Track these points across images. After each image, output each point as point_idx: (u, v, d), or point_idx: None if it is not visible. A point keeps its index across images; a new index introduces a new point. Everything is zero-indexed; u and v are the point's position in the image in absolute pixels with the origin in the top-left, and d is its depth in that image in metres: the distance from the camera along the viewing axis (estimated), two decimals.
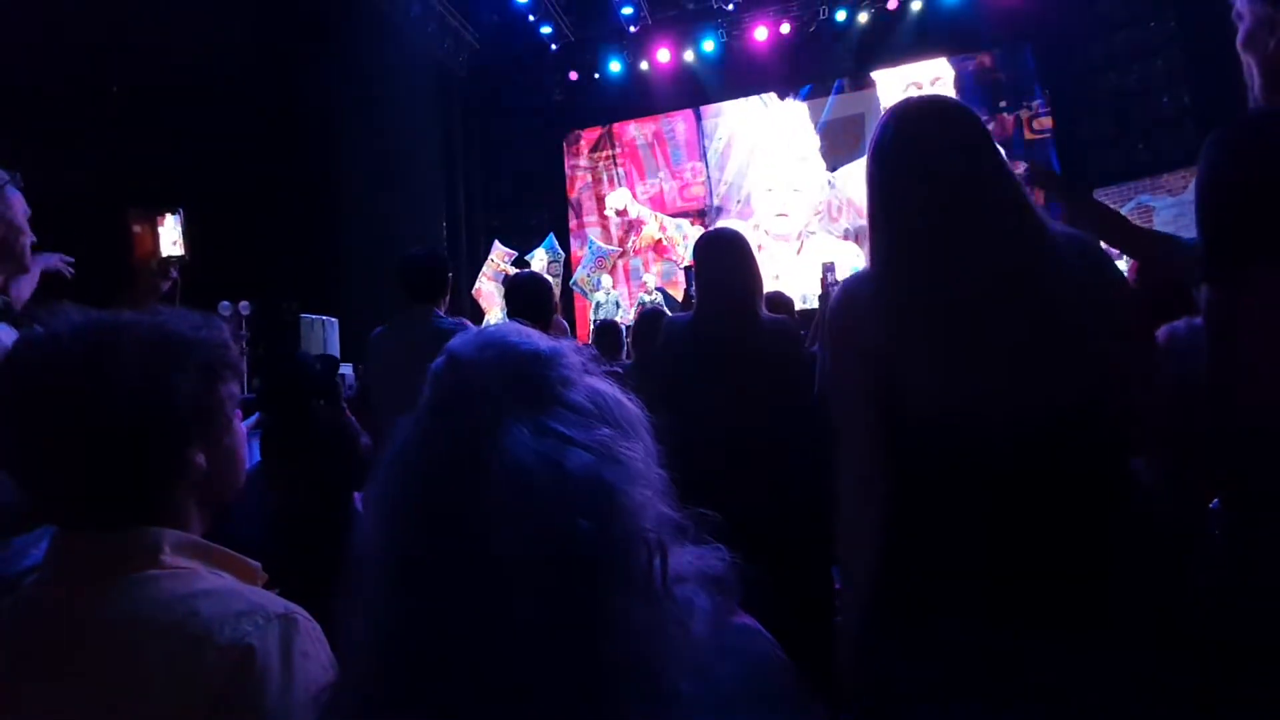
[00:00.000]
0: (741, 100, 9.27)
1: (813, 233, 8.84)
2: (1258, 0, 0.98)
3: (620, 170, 9.83)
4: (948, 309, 0.94)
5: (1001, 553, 0.90)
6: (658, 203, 9.66)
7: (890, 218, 1.03)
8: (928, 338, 0.95)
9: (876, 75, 8.64)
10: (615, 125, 9.84)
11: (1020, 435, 0.90)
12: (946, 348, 0.94)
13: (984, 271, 0.94)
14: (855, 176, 8.55)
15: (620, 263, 9.63)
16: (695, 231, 8.78)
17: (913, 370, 0.95)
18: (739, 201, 9.30)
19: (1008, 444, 0.90)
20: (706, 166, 9.47)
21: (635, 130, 9.77)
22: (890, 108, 1.07)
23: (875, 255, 1.05)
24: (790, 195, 8.99)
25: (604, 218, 9.85)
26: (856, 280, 1.09)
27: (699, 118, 9.50)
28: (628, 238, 9.70)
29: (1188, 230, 0.99)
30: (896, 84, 8.49)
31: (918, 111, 1.04)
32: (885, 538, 0.99)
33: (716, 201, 9.41)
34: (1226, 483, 0.95)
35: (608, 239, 9.72)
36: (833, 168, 8.85)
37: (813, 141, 9.01)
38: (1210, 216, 0.92)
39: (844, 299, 1.06)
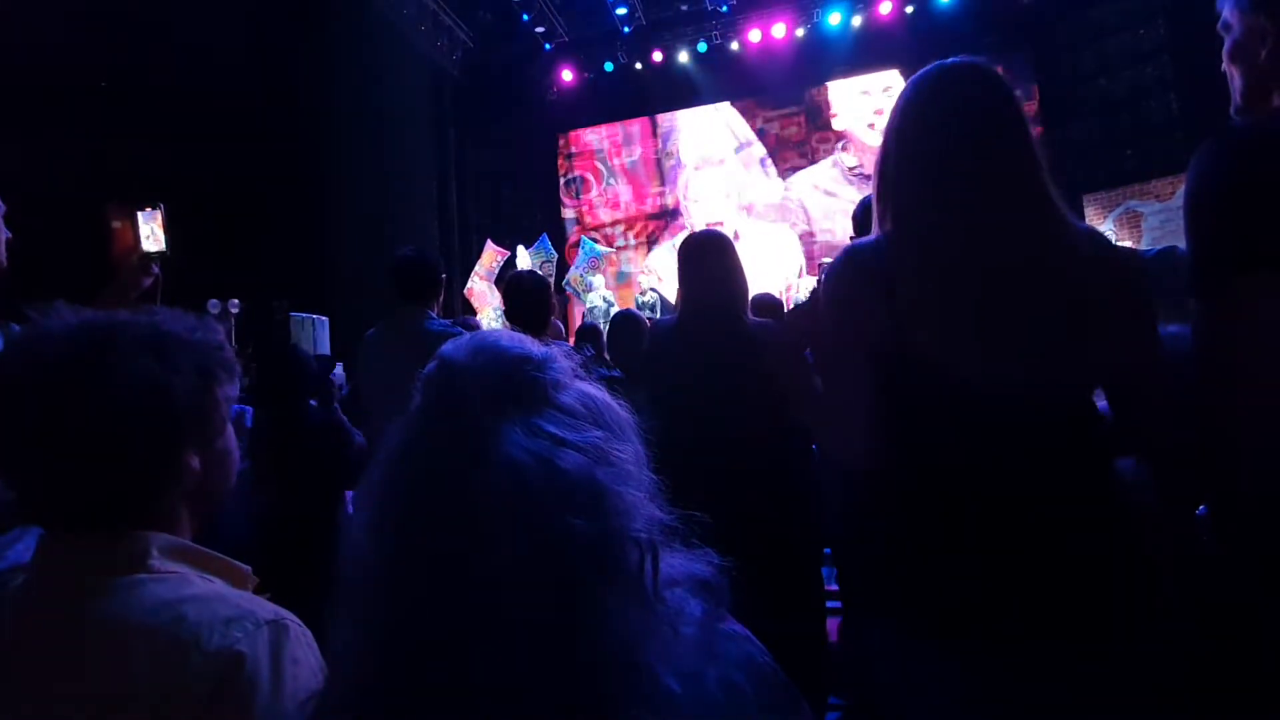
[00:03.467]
0: (693, 109, 9.38)
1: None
2: (1248, 11, 0.98)
3: (579, 176, 9.94)
4: (961, 285, 0.93)
5: (997, 548, 0.90)
6: (614, 209, 9.79)
7: (910, 185, 1.00)
8: (939, 313, 0.94)
9: (871, 77, 8.70)
10: (572, 133, 9.95)
11: (1024, 418, 0.90)
12: (956, 324, 0.93)
13: (1000, 250, 0.93)
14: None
15: (622, 258, 9.68)
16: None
17: (921, 344, 0.94)
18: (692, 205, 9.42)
19: (1011, 426, 0.90)
20: (660, 172, 9.58)
21: (592, 137, 9.87)
22: (925, 71, 1.02)
23: (891, 221, 1.01)
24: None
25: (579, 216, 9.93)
26: (863, 247, 1.04)
27: (654, 125, 9.62)
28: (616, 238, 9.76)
29: (1175, 237, 0.99)
30: (893, 86, 8.56)
31: (953, 79, 1.00)
32: (882, 527, 0.99)
33: (671, 205, 9.51)
34: (1215, 489, 0.96)
35: (602, 240, 9.73)
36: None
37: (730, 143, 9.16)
38: (1199, 228, 0.93)
39: (849, 264, 1.03)
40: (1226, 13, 1.02)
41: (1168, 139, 6.94)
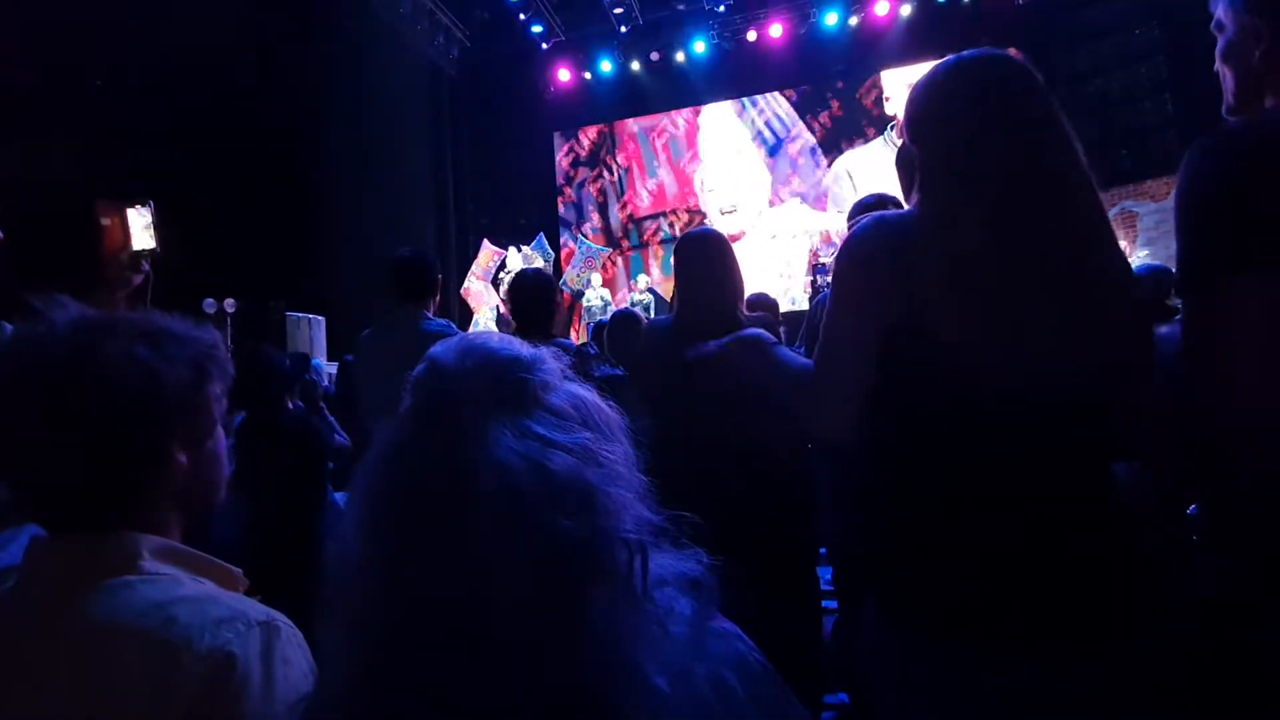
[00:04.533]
0: (721, 103, 9.34)
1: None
2: (1243, 11, 0.98)
3: (622, 168, 9.83)
4: (998, 268, 0.92)
5: (998, 548, 0.90)
6: (660, 201, 9.70)
7: (937, 173, 0.99)
8: (953, 299, 0.92)
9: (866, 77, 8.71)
10: (616, 122, 9.84)
11: (1026, 415, 0.90)
12: (967, 311, 0.92)
13: (1034, 236, 0.92)
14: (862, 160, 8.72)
15: (620, 259, 9.65)
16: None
17: (931, 329, 0.93)
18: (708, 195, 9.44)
19: (1013, 423, 0.90)
20: (702, 165, 9.51)
21: (636, 127, 9.76)
22: (945, 62, 1.01)
23: (926, 202, 1.00)
24: (732, 191, 9.25)
25: (603, 214, 9.87)
26: (889, 219, 1.02)
27: (697, 116, 9.52)
28: (626, 236, 9.74)
29: (1170, 237, 0.99)
30: (892, 84, 8.59)
31: (977, 68, 0.99)
32: (882, 526, 0.99)
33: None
34: (1212, 488, 0.96)
35: (603, 238, 9.72)
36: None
37: (744, 134, 9.24)
38: (1191, 226, 0.93)
39: (873, 234, 1.00)
40: (1220, 13, 1.02)
41: (1162, 139, 6.97)
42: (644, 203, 9.75)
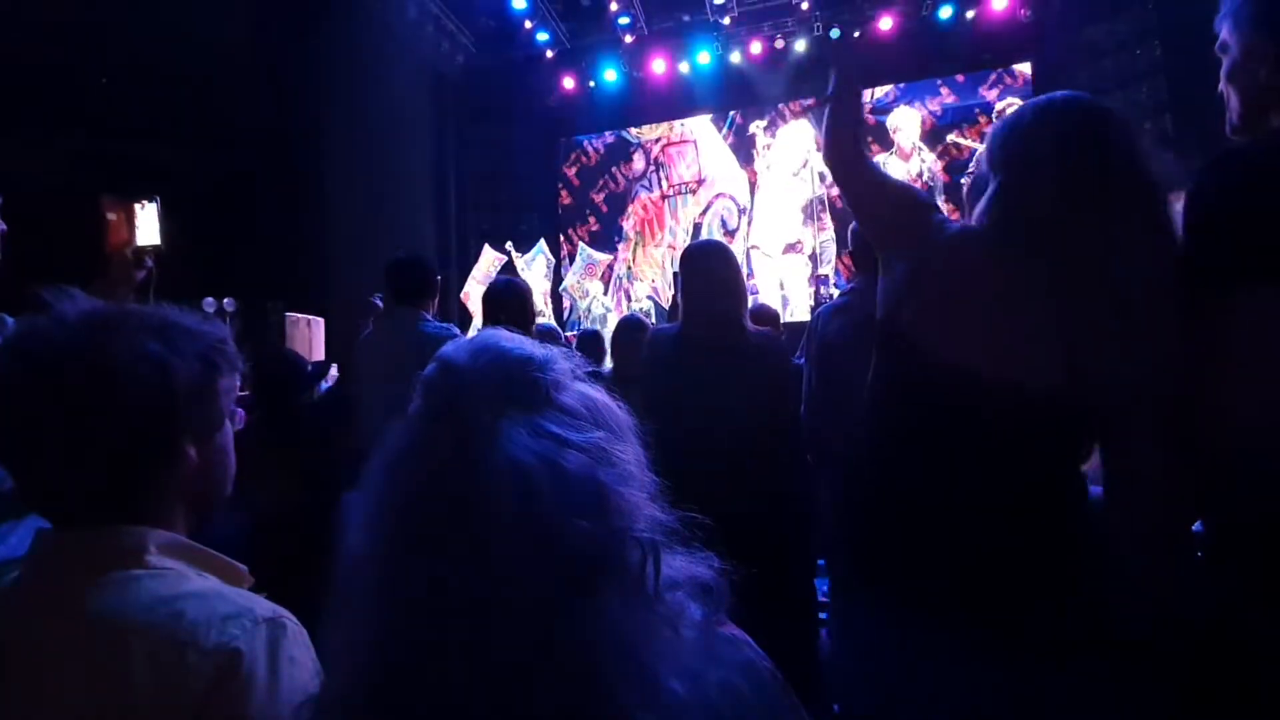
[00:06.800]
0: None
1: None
2: (1248, 31, 0.99)
3: (625, 175, 9.82)
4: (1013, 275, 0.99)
5: (993, 546, 0.93)
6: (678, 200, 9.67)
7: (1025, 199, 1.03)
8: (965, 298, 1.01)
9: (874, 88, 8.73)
10: (623, 130, 9.87)
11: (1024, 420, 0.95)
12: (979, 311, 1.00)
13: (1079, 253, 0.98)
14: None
15: (627, 266, 9.65)
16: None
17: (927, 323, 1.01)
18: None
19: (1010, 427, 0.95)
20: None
21: (642, 134, 9.78)
22: (1047, 102, 1.05)
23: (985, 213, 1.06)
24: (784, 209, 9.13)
25: (607, 219, 9.84)
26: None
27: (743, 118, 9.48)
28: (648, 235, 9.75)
29: None
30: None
31: (1072, 115, 1.03)
32: (881, 523, 1.03)
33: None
34: (1212, 500, 0.96)
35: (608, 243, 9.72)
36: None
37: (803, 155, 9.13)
38: (1198, 242, 0.93)
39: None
40: (1225, 34, 1.02)
41: (1162, 159, 6.98)
42: (651, 206, 9.77)
